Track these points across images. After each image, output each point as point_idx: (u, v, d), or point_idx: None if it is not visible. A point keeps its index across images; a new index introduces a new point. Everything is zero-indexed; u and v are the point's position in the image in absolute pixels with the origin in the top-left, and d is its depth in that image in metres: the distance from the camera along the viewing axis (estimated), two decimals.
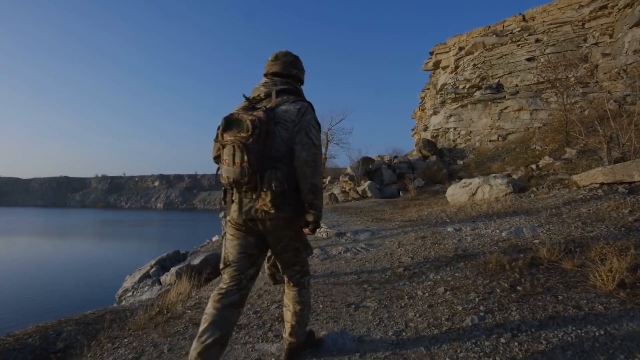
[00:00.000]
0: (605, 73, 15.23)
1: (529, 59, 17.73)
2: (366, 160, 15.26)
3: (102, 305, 4.65)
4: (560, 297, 2.43)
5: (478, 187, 7.12)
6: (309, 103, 1.92)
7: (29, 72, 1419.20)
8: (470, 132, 19.17)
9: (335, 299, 2.88)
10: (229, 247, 1.88)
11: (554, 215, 4.76)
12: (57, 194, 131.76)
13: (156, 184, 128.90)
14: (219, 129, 1.87)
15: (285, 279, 2.01)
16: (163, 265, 5.87)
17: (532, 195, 6.39)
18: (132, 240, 37.83)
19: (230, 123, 1.77)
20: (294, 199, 1.80)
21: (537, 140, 13.68)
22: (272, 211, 1.73)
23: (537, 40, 17.71)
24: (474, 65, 19.71)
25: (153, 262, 5.96)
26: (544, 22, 18.19)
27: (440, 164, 15.02)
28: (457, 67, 21.41)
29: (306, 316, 2.01)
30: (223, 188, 1.90)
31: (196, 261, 5.23)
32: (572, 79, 13.82)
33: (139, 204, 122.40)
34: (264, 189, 1.72)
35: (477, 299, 2.54)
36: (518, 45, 18.37)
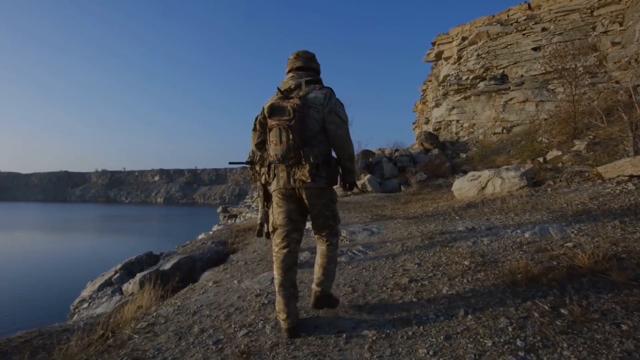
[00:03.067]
0: (615, 62, 14.53)
1: (534, 49, 16.99)
2: (366, 153, 14.63)
3: (59, 319, 4.02)
4: (624, 327, 1.78)
5: (488, 181, 6.45)
6: (331, 88, 2.23)
7: (28, 68, 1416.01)
8: (474, 124, 18.47)
9: (321, 324, 2.21)
10: (277, 214, 2.25)
11: (581, 213, 4.09)
12: (57, 188, 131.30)
13: (156, 178, 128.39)
14: (256, 119, 2.31)
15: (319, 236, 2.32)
16: (130, 270, 5.16)
17: (549, 190, 5.73)
18: (126, 236, 37.25)
19: (274, 110, 2.12)
20: (326, 172, 2.16)
21: (543, 133, 13.06)
22: (309, 181, 2.09)
23: (543, 29, 16.98)
24: (478, 55, 18.96)
25: (119, 266, 5.24)
26: (550, 10, 17.42)
27: (442, 157, 14.36)
28: (460, 58, 20.63)
29: (332, 270, 2.32)
30: (268, 164, 2.28)
31: (167, 266, 4.53)
32: (581, 68, 13.17)
33: (139, 198, 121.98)
34: (303, 162, 2.08)
35: (510, 328, 1.89)
36: (523, 34, 17.62)
